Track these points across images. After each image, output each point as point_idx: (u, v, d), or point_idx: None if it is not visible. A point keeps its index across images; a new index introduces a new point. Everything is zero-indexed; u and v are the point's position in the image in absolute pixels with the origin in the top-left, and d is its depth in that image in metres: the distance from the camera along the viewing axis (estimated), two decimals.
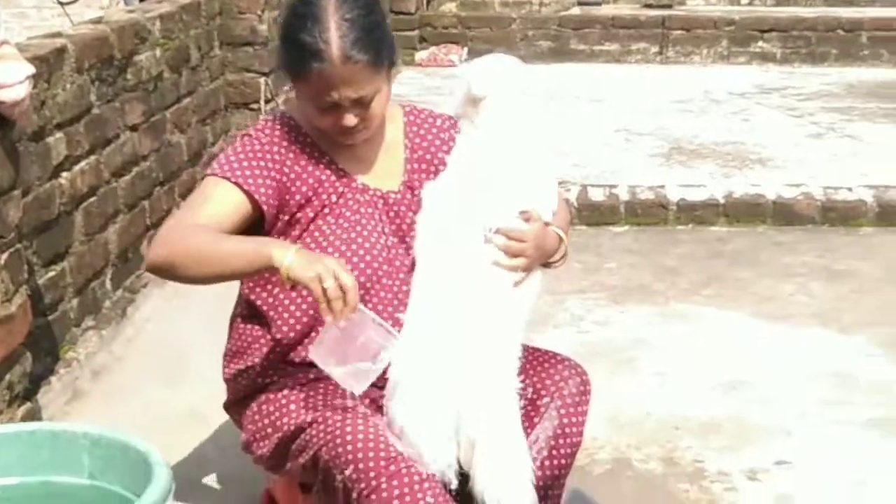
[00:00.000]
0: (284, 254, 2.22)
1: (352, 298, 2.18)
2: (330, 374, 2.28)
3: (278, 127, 2.49)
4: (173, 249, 2.33)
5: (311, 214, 2.46)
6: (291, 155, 2.46)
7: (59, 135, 3.65)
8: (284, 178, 2.44)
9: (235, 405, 2.61)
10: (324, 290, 2.16)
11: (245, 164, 2.42)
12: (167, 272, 2.37)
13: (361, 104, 2.38)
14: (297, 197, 2.45)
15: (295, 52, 2.37)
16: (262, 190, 2.41)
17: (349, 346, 2.24)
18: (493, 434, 2.30)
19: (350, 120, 2.38)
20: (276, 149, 2.45)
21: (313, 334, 2.44)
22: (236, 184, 2.40)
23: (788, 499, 3.07)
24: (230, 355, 2.60)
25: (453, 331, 2.35)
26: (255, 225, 2.44)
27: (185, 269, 2.33)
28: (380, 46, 2.38)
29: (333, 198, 2.47)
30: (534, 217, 2.47)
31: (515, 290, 2.43)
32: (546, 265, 2.56)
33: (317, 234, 2.44)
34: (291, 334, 2.46)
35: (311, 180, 2.46)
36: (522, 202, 2.46)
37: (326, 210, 2.46)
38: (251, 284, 2.52)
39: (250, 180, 2.40)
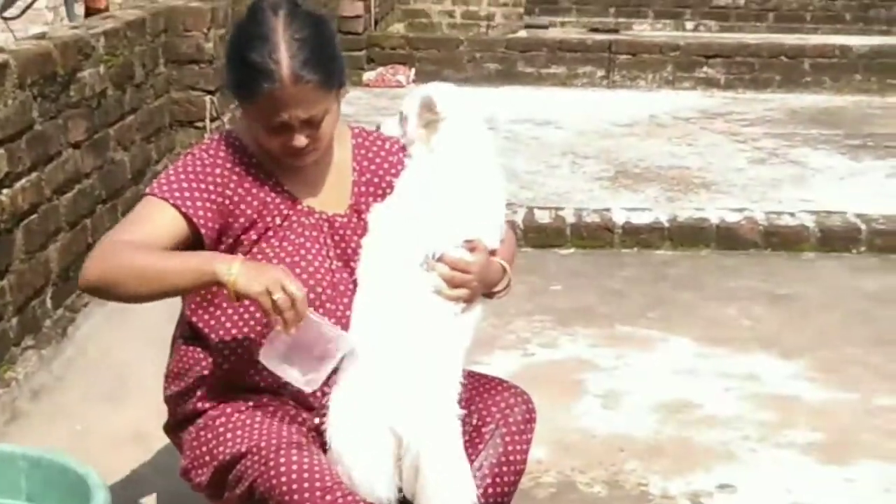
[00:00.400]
0: (229, 268, 2.20)
1: (301, 308, 2.17)
2: (281, 375, 2.28)
3: (223, 147, 2.46)
4: (110, 267, 2.28)
5: (255, 237, 2.42)
6: (235, 176, 2.43)
7: (0, 151, 3.59)
8: (227, 201, 2.41)
9: (175, 427, 2.58)
10: (273, 303, 2.15)
11: (185, 185, 2.38)
12: (104, 291, 2.32)
13: (311, 125, 2.35)
14: (241, 220, 2.42)
15: (244, 73, 2.33)
16: (201, 213, 2.37)
17: (300, 350, 2.24)
18: (436, 461, 2.29)
19: (300, 141, 2.35)
20: (219, 170, 2.42)
21: (253, 363, 2.42)
22: (174, 205, 2.36)
23: None
24: (171, 377, 2.56)
25: (393, 358, 2.33)
26: (192, 246, 2.41)
27: (124, 287, 2.28)
28: (330, 66, 2.36)
29: (278, 220, 2.44)
30: (479, 248, 2.45)
31: (456, 319, 2.42)
32: (489, 295, 2.54)
33: (259, 257, 2.40)
34: (233, 358, 2.43)
35: (255, 202, 2.43)
36: (469, 230, 2.45)
37: (270, 233, 2.43)
38: (193, 306, 2.48)
39: (188, 203, 2.36)
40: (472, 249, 2.44)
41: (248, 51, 2.32)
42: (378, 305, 2.38)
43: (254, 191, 2.43)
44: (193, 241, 2.40)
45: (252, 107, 2.36)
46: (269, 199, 2.43)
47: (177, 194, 2.37)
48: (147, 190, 2.43)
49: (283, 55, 2.29)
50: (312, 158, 2.43)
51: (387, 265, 2.40)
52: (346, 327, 2.39)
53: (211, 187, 2.39)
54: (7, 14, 7.75)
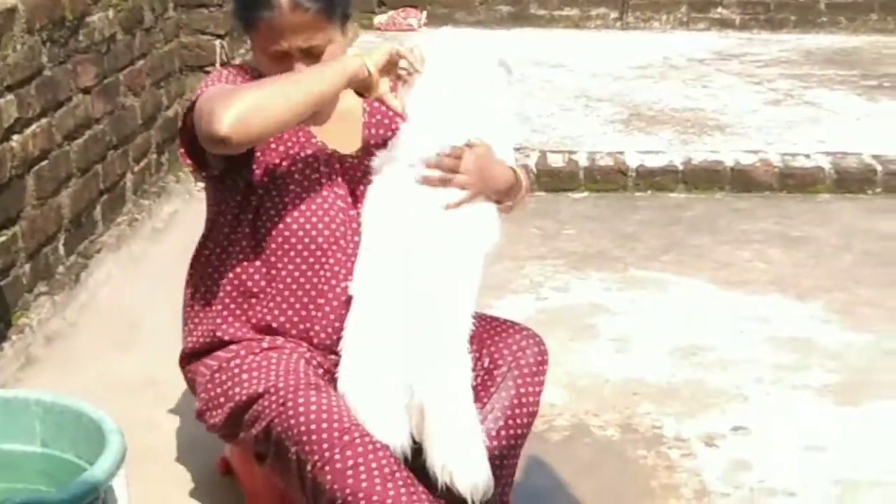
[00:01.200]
0: (362, 63, 2.29)
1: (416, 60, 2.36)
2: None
3: (242, 72, 2.49)
4: (243, 101, 2.17)
5: (277, 160, 2.43)
6: None
7: (9, 97, 3.57)
8: None
9: (191, 356, 2.57)
10: (406, 55, 2.33)
11: (230, 80, 2.42)
12: (245, 128, 2.16)
13: (312, 55, 2.35)
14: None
15: (242, 2, 2.38)
16: None
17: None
18: (441, 405, 2.28)
19: (301, 70, 2.34)
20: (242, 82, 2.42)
21: (266, 297, 2.42)
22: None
23: (745, 465, 3.08)
24: (189, 303, 2.57)
25: (399, 300, 2.32)
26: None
27: (270, 110, 2.18)
28: None
29: (296, 148, 2.44)
30: (477, 145, 2.42)
31: (461, 227, 2.37)
32: (501, 206, 2.50)
33: (273, 192, 2.41)
34: (241, 288, 2.45)
35: None
36: (469, 134, 2.42)
37: (284, 163, 2.43)
38: (211, 232, 2.50)
39: None
40: (468, 146, 2.41)
41: None
42: (381, 242, 2.36)
43: None
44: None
45: (254, 36, 2.37)
46: (289, 130, 2.42)
47: (227, 85, 2.38)
48: (199, 91, 2.38)
49: None
50: None
51: (385, 193, 2.38)
52: (352, 266, 2.40)
53: None
54: None
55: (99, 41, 4.34)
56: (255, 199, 2.43)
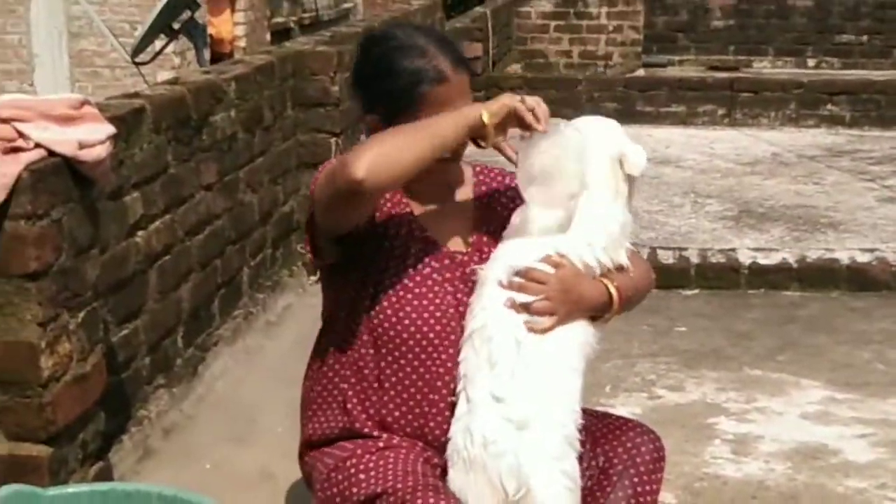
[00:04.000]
0: (479, 114, 2.34)
1: (543, 115, 2.38)
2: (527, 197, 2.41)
3: None
4: (375, 149, 2.27)
5: (389, 254, 2.46)
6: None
7: (135, 194, 3.68)
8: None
9: (308, 448, 2.58)
10: (523, 102, 2.35)
11: None
12: (377, 174, 2.24)
13: None
14: (374, 232, 2.46)
15: (402, 82, 2.41)
16: None
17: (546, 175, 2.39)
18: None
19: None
20: None
21: (380, 392, 2.43)
22: None
23: None
24: (306, 401, 2.59)
25: (505, 402, 2.29)
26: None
27: (397, 158, 2.27)
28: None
29: (410, 243, 2.46)
30: (563, 262, 2.40)
31: (553, 342, 2.35)
32: (594, 318, 2.46)
33: (386, 283, 2.44)
34: (357, 386, 2.46)
35: (393, 214, 2.49)
36: (558, 246, 2.41)
37: (402, 254, 2.46)
38: (328, 331, 2.54)
39: None
40: (555, 265, 2.40)
41: (398, 61, 2.41)
42: (479, 345, 2.36)
43: (390, 215, 2.48)
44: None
45: (412, 114, 2.39)
46: (401, 220, 2.48)
47: None
48: (315, 176, 2.48)
49: (438, 54, 2.41)
50: (454, 172, 2.53)
51: (484, 301, 2.39)
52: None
53: None
54: (138, 59, 7.99)
55: (221, 139, 4.47)
56: (368, 294, 2.45)
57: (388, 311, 2.43)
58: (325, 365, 2.55)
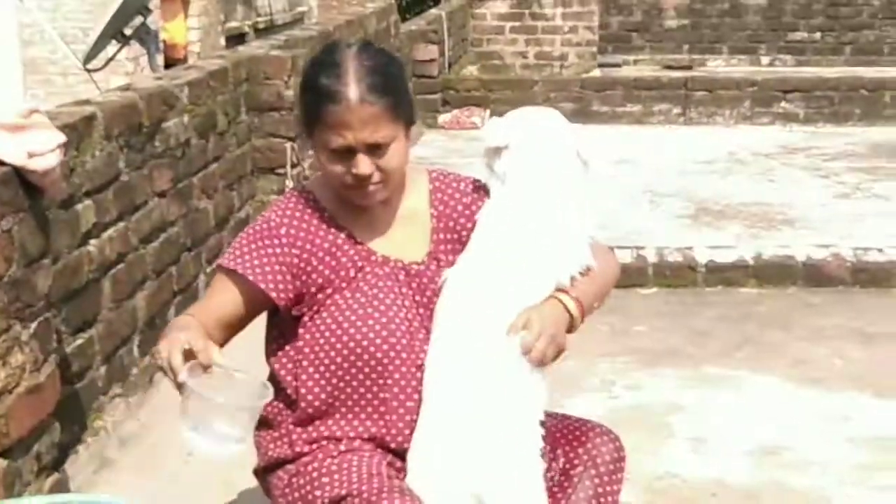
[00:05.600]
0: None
1: (203, 358, 2.16)
2: (194, 445, 2.16)
3: (295, 204, 2.46)
4: None
5: (329, 291, 2.41)
6: (309, 234, 2.42)
7: (87, 202, 3.65)
8: (300, 262, 2.40)
9: (265, 471, 2.57)
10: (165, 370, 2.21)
11: (255, 253, 2.39)
12: None
13: (376, 151, 2.34)
14: (315, 277, 2.40)
15: (312, 97, 2.37)
16: (270, 278, 2.37)
17: (212, 408, 2.12)
18: None
19: (364, 167, 2.33)
20: (293, 231, 2.41)
21: (336, 414, 2.41)
22: (243, 275, 2.37)
23: None
24: (258, 423, 2.56)
25: (469, 418, 2.28)
26: (270, 311, 2.44)
27: None
28: (398, 95, 2.37)
29: (352, 272, 2.42)
30: (528, 320, 2.33)
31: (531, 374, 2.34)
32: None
33: (333, 308, 2.39)
34: (309, 409, 2.42)
35: (328, 258, 2.41)
36: (534, 281, 2.38)
37: (344, 285, 2.41)
38: (274, 357, 2.48)
39: (257, 270, 2.37)
40: (524, 326, 2.33)
41: (317, 77, 2.36)
42: (452, 366, 2.34)
43: (325, 246, 2.42)
44: (271, 307, 2.42)
45: (320, 131, 2.36)
46: (340, 254, 2.42)
47: (247, 264, 2.37)
48: (219, 261, 2.45)
49: (351, 78, 2.32)
50: (380, 196, 2.41)
51: (461, 327, 2.36)
52: (421, 376, 2.37)
53: (280, 250, 2.39)
54: (90, 66, 7.92)
55: (174, 146, 4.43)
56: (316, 315, 2.42)
57: (338, 332, 2.38)
58: (275, 384, 2.51)
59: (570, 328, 2.42)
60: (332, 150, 2.35)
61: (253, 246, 2.40)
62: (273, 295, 2.37)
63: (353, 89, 2.30)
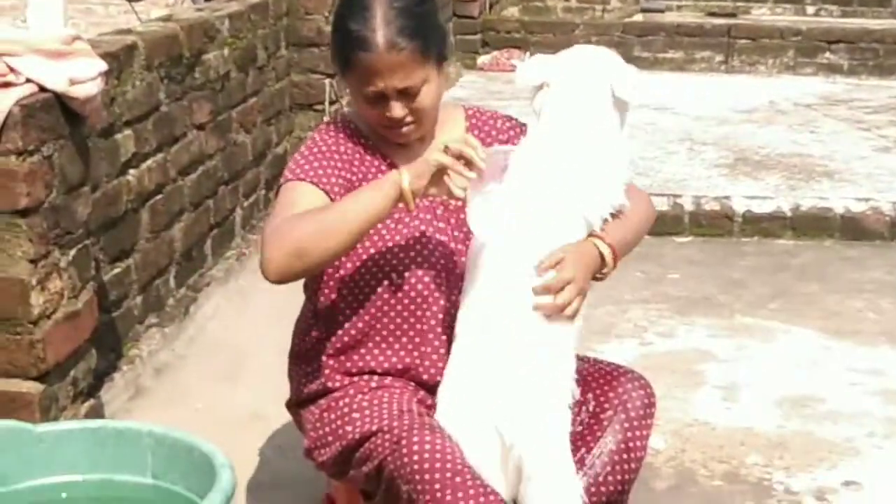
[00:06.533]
0: (398, 179, 2.21)
1: (474, 153, 2.20)
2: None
3: (339, 130, 2.47)
4: (289, 243, 2.22)
5: None
6: (355, 157, 2.44)
7: (127, 132, 3.66)
8: (353, 178, 2.42)
9: (297, 405, 2.60)
10: (450, 166, 2.19)
11: (317, 164, 2.40)
12: (294, 268, 2.24)
13: (408, 95, 2.33)
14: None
15: (343, 41, 2.35)
16: (337, 189, 2.37)
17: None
18: (539, 466, 2.24)
19: (397, 111, 2.34)
20: (342, 148, 2.44)
21: (370, 344, 2.42)
22: (313, 183, 2.36)
23: None
24: (293, 356, 2.59)
25: (498, 356, 2.28)
26: None
27: (314, 250, 2.22)
28: (428, 35, 2.34)
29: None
30: (563, 261, 2.31)
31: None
32: (593, 277, 2.42)
33: (375, 237, 2.40)
34: (345, 338, 2.44)
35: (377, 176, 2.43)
36: (567, 231, 2.36)
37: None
38: (314, 287, 2.50)
39: (324, 179, 2.37)
40: (555, 266, 2.30)
41: (347, 20, 2.33)
42: (482, 304, 2.33)
43: (372, 171, 2.44)
44: None
45: (350, 76, 2.36)
46: None
47: (311, 173, 2.38)
48: (282, 179, 2.43)
49: (380, 22, 2.29)
50: (415, 134, 2.41)
51: (491, 268, 2.34)
52: (456, 312, 2.37)
53: (339, 164, 2.41)
54: None
55: (214, 79, 4.43)
56: (358, 244, 2.42)
57: (377, 264, 2.41)
58: (308, 325, 2.53)
59: (602, 276, 2.43)
60: (364, 95, 2.35)
61: (311, 158, 2.40)
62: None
63: (381, 35, 2.29)
